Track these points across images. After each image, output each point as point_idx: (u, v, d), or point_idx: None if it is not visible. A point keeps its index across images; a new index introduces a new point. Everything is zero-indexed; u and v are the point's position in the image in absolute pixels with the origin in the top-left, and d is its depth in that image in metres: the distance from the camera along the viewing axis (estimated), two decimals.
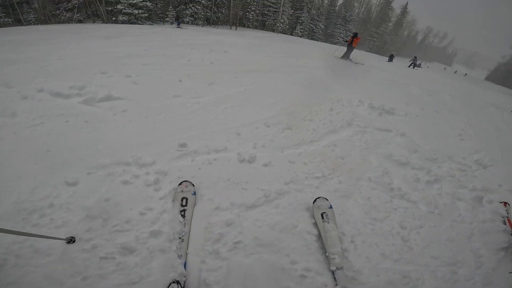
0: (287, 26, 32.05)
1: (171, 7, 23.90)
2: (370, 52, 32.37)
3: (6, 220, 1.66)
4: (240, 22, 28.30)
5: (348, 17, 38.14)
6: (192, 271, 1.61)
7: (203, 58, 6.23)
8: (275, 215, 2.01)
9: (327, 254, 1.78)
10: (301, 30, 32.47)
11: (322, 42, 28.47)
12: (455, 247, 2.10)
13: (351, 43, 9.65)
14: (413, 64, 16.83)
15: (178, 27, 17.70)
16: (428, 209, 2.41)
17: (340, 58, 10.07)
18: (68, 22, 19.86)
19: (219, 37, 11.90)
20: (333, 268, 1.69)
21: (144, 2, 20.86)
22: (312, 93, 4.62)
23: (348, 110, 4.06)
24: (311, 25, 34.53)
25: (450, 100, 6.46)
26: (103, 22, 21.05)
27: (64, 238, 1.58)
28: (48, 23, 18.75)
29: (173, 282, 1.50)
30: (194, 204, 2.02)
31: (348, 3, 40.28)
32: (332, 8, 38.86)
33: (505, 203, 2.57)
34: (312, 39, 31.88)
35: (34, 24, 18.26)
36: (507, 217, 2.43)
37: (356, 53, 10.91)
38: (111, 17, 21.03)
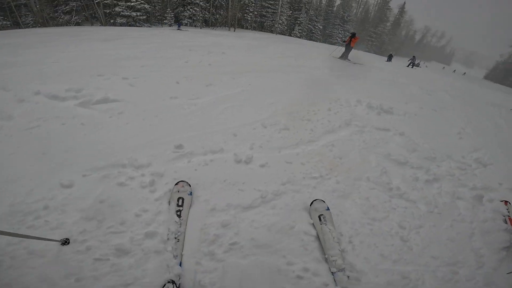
0: (286, 27, 32.14)
1: (169, 9, 23.97)
2: (368, 52, 32.43)
3: (1, 222, 1.66)
4: (238, 23, 28.38)
5: (346, 17, 38.25)
6: (187, 272, 1.60)
7: (201, 59, 6.22)
8: (271, 216, 1.99)
9: (326, 256, 1.77)
10: (300, 31, 32.57)
11: (320, 43, 28.53)
12: (455, 247, 2.08)
13: (349, 43, 9.65)
14: (411, 64, 16.87)
15: (179, 29, 17.76)
16: (427, 208, 2.39)
17: (339, 58, 10.06)
18: (66, 25, 19.92)
19: (217, 39, 11.91)
20: (334, 270, 1.68)
21: (142, 4, 20.91)
22: (310, 93, 4.61)
23: (346, 110, 4.05)
24: (309, 25, 34.63)
25: (449, 99, 6.45)
26: (102, 24, 21.10)
27: (59, 239, 1.59)
28: (46, 26, 18.78)
29: (169, 281, 1.50)
30: (190, 205, 2.01)
31: (346, 3, 40.42)
32: (330, 8, 38.98)
33: (506, 202, 2.55)
34: (310, 39, 31.92)
35: (32, 27, 18.29)
36: (508, 215, 2.40)
37: (354, 53, 10.91)
38: (109, 19, 21.10)
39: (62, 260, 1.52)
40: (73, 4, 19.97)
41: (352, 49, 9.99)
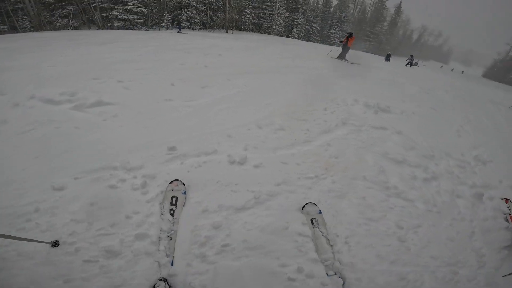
0: (283, 29, 32.22)
1: (166, 12, 24.04)
2: (366, 52, 32.46)
3: None
4: (236, 25, 28.45)
5: (343, 17, 38.34)
6: (178, 273, 1.58)
7: (197, 61, 6.21)
8: (265, 217, 1.95)
9: (320, 259, 1.74)
10: (297, 32, 32.61)
11: (318, 44, 28.62)
12: (455, 246, 2.04)
13: (346, 43, 9.66)
14: (410, 63, 16.88)
15: (179, 32, 17.75)
16: (426, 207, 2.35)
17: (336, 58, 10.07)
18: (64, 29, 19.94)
19: (215, 41, 11.93)
20: (329, 273, 1.66)
21: (139, 8, 20.95)
22: (307, 94, 4.59)
23: (343, 109, 4.02)
24: (307, 26, 34.71)
25: (447, 97, 6.44)
26: (99, 28, 21.13)
27: (49, 241, 1.58)
28: (43, 30, 18.80)
29: (160, 279, 1.50)
30: (184, 204, 2.00)
31: (342, 4, 40.50)
32: (327, 9, 39.09)
33: (507, 200, 2.51)
34: (308, 40, 31.97)
35: (29, 31, 18.30)
36: (509, 214, 2.37)
37: (352, 53, 10.91)
38: (107, 23, 21.12)
39: (51, 262, 1.52)
40: (70, 8, 20.00)
41: (350, 49, 10.00)
